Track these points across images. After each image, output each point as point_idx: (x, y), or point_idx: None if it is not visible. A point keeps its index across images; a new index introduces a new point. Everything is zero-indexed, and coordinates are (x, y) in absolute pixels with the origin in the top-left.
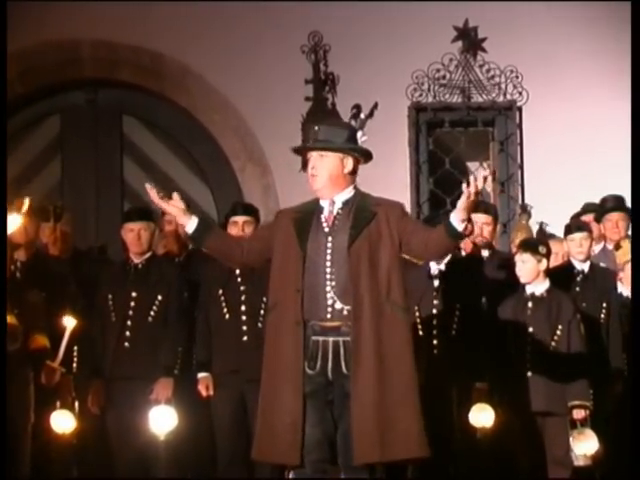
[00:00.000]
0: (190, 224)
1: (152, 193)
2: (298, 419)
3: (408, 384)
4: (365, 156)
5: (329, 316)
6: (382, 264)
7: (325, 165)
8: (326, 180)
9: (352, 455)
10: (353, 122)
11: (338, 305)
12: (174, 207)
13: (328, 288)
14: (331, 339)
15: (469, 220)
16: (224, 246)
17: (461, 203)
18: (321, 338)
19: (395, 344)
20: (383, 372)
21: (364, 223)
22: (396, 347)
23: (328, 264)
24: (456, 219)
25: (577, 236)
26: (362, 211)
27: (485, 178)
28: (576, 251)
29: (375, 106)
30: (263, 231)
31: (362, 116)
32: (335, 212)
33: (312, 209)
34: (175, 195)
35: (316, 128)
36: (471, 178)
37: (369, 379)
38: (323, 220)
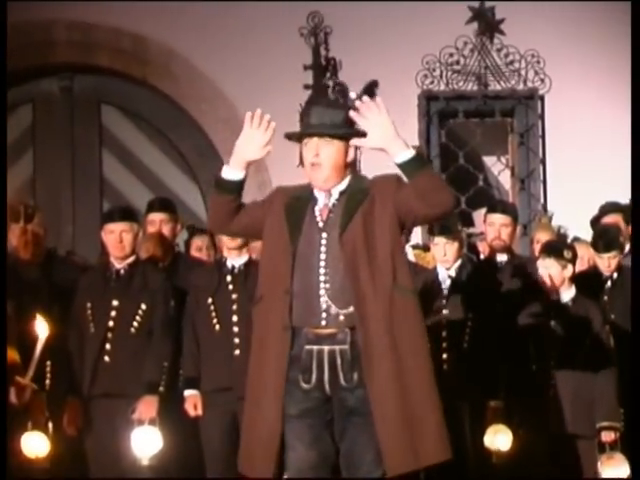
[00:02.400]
0: (238, 172)
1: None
2: (276, 434)
3: (428, 380)
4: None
5: (324, 322)
6: (382, 246)
7: (330, 153)
8: (330, 170)
9: (358, 474)
10: (353, 96)
11: (333, 310)
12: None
13: (322, 291)
14: (326, 348)
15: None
16: (232, 211)
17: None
18: (315, 347)
19: (410, 334)
20: (401, 372)
21: (355, 207)
22: (411, 337)
23: (322, 264)
24: (398, 152)
25: (605, 256)
26: (355, 194)
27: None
28: (604, 265)
29: (374, 84)
30: (256, 209)
31: (352, 95)
32: (330, 204)
33: (307, 197)
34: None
35: (309, 111)
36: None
37: (387, 387)
38: (317, 213)
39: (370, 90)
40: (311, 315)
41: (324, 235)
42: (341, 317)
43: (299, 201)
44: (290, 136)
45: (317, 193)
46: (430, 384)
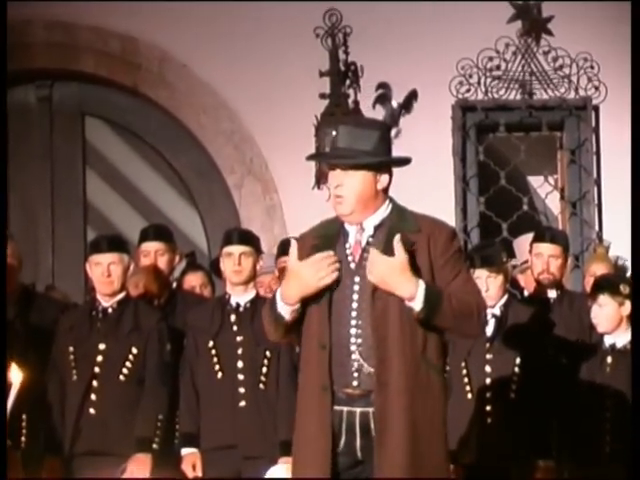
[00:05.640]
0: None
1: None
2: None
3: (441, 466)
4: (403, 165)
5: (355, 383)
6: None
7: (354, 184)
8: (356, 203)
9: None
10: (381, 108)
11: (366, 369)
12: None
13: (353, 347)
14: (358, 410)
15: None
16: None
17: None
18: (346, 408)
19: (428, 415)
20: (415, 453)
21: None
22: (429, 418)
23: (353, 314)
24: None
25: None
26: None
27: None
28: None
29: (413, 95)
30: None
31: (394, 104)
32: (364, 242)
33: (334, 233)
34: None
35: (336, 132)
36: None
37: (399, 465)
38: (349, 252)
39: (409, 102)
40: (342, 373)
41: (356, 279)
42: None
43: (326, 239)
44: (311, 158)
45: (348, 226)
46: (442, 470)
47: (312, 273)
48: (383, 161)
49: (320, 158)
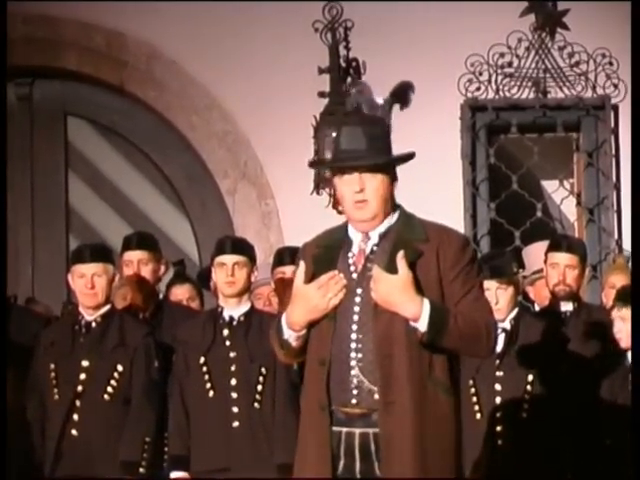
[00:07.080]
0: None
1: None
2: None
3: None
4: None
5: (354, 401)
6: None
7: (377, 186)
8: (378, 206)
9: None
10: (380, 102)
11: (366, 386)
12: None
13: (353, 362)
14: (358, 431)
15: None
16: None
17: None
18: (344, 429)
19: (437, 436)
20: (423, 474)
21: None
22: (438, 439)
23: (354, 328)
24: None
25: None
26: (403, 248)
27: None
28: None
29: (408, 87)
30: None
31: (379, 101)
32: (368, 249)
33: (337, 242)
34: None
35: (347, 132)
36: None
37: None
38: (351, 262)
39: (403, 95)
40: (341, 390)
41: (359, 291)
42: (376, 395)
43: (327, 250)
44: (316, 165)
45: (353, 234)
46: None
47: (319, 296)
48: (399, 158)
49: (338, 163)
